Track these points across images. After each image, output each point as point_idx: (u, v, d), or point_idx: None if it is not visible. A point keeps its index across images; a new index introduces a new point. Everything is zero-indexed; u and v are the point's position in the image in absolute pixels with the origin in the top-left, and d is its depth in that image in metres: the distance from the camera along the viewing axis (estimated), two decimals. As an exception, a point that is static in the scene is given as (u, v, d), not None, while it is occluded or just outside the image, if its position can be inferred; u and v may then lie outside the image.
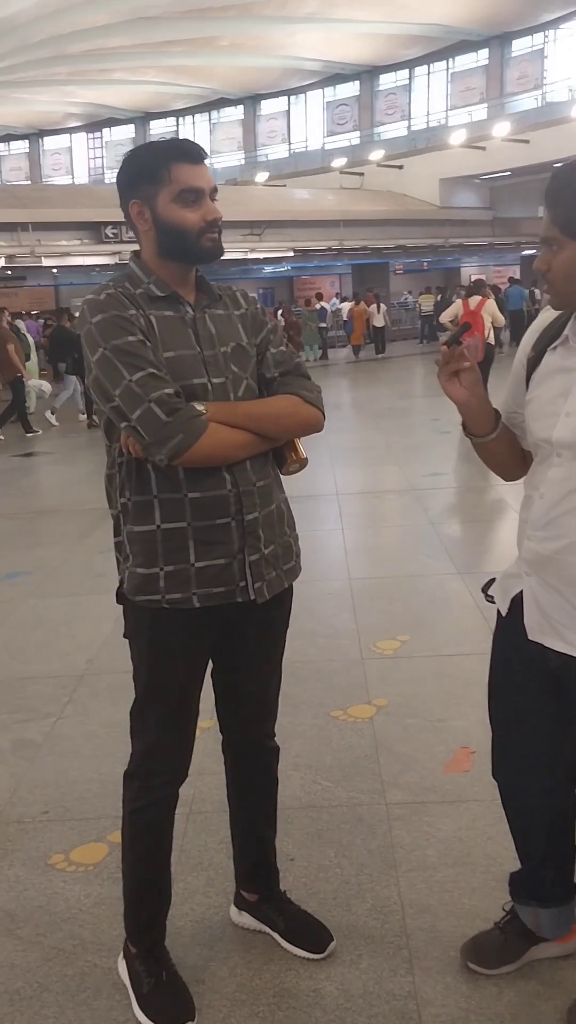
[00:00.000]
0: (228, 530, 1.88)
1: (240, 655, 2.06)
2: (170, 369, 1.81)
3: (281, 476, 2.04)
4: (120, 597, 1.98)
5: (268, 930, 2.27)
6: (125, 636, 2.02)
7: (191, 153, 1.84)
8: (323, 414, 1.98)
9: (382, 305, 22.36)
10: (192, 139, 1.90)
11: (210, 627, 1.96)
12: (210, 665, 2.08)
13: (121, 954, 2.16)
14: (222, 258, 1.94)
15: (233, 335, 1.93)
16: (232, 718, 2.15)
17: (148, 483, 1.86)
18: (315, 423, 1.96)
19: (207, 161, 1.89)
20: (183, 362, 1.84)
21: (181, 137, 1.91)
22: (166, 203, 1.82)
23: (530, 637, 1.86)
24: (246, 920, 2.32)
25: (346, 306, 23.79)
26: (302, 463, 2.01)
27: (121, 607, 2.00)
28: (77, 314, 1.91)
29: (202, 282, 1.95)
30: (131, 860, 2.10)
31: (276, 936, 2.26)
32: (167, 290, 1.87)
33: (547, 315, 1.88)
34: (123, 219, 1.91)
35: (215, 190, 1.87)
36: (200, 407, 1.80)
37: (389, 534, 6.54)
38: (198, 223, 1.83)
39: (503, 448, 1.94)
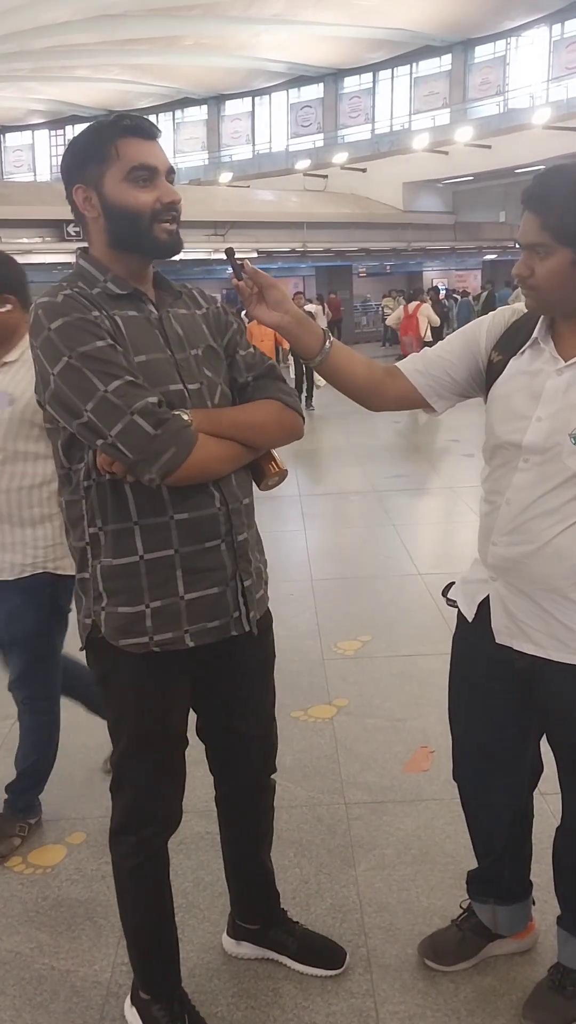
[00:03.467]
0: (219, 554, 1.68)
1: (237, 695, 1.87)
2: (143, 376, 1.58)
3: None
4: (89, 643, 1.74)
5: (276, 955, 2.16)
6: (97, 683, 1.79)
7: (141, 128, 1.60)
8: (303, 418, 1.80)
9: (324, 305, 22.64)
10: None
11: (200, 662, 1.76)
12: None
13: (128, 1000, 2.01)
14: (185, 257, 1.82)
15: (200, 337, 1.73)
16: (232, 766, 1.96)
17: (126, 507, 1.62)
18: (297, 429, 1.78)
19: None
20: (156, 367, 1.62)
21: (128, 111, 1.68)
22: (115, 183, 1.59)
23: (498, 641, 1.86)
24: (246, 950, 2.19)
25: (310, 307, 23.89)
26: (282, 475, 1.80)
27: (84, 652, 1.78)
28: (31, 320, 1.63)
29: (160, 279, 1.75)
30: (135, 920, 1.91)
31: (286, 960, 2.15)
32: (128, 287, 1.65)
33: (507, 313, 1.85)
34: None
35: (172, 171, 1.64)
36: (186, 416, 1.59)
37: (351, 535, 6.56)
38: (151, 204, 1.59)
39: (344, 371, 1.84)
